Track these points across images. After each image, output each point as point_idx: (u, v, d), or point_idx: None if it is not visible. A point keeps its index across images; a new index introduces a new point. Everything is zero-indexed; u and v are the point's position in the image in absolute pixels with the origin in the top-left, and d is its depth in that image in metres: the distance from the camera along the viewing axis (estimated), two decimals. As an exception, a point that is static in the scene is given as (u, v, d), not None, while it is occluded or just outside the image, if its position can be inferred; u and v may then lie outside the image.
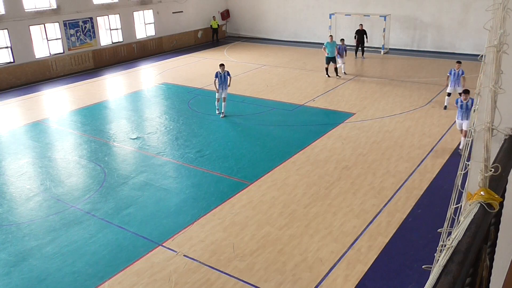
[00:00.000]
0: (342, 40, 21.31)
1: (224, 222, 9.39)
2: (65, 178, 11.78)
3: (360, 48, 24.55)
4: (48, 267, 8.18)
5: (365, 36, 24.26)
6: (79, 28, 23.48)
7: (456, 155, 12.22)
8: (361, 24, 24.40)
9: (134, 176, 11.64)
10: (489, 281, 2.23)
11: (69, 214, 9.90)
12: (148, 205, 10.23)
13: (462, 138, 12.47)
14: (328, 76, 20.83)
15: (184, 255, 8.35)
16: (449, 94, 15.96)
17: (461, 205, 2.00)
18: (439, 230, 1.90)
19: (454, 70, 15.56)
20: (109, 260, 8.31)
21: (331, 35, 21.51)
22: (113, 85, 21.74)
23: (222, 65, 15.94)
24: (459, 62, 15.74)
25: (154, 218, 9.66)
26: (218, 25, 30.88)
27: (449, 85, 15.78)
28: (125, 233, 9.14)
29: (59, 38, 22.72)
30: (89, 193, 10.87)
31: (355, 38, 24.48)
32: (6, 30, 20.48)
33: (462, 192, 2.05)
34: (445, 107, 16.03)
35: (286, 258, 8.16)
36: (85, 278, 7.83)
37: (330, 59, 20.44)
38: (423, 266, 1.81)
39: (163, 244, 8.71)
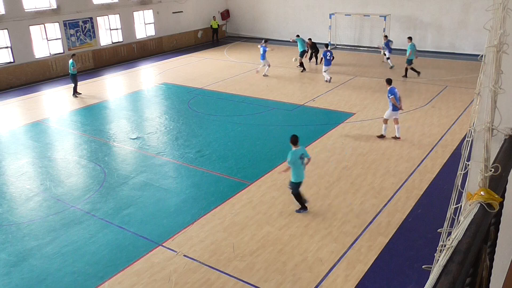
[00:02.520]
0: (327, 45, 21.39)
1: (224, 222, 9.39)
2: (65, 178, 11.78)
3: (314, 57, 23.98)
4: (48, 267, 8.17)
5: (314, 48, 23.59)
6: (79, 28, 23.48)
7: (456, 155, 12.22)
8: (309, 39, 23.54)
9: (134, 176, 11.63)
10: (489, 281, 2.23)
11: (69, 214, 9.90)
12: (148, 205, 10.23)
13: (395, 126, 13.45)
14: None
15: (184, 255, 8.35)
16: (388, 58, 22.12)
17: (461, 205, 2.00)
18: (439, 230, 1.90)
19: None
20: (109, 260, 8.31)
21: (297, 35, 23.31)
22: (113, 85, 21.74)
23: (266, 41, 21.72)
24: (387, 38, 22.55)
25: (154, 218, 9.66)
26: (218, 25, 30.87)
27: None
28: (125, 233, 9.14)
29: (59, 38, 22.73)
30: (89, 193, 10.86)
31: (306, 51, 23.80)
32: (6, 30, 20.48)
33: (462, 192, 2.04)
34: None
35: (286, 258, 8.16)
36: (85, 278, 7.83)
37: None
38: (423, 266, 1.81)
39: (163, 244, 8.71)
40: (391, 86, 13.12)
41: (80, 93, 19.22)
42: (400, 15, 26.26)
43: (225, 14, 32.58)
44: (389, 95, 12.95)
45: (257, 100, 17.84)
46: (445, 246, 1.63)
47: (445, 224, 1.90)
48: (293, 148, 9.22)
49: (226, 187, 10.92)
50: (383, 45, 22.59)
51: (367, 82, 19.96)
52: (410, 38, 20.53)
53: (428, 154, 12.45)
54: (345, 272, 7.71)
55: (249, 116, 16.11)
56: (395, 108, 12.97)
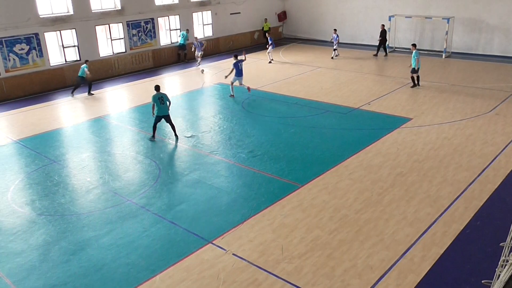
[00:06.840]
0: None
1: (274, 223, 9.40)
2: (122, 172, 12.24)
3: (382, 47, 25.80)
4: (104, 257, 8.53)
5: (385, 36, 25.13)
6: (141, 28, 24.35)
7: (521, 165, 11.53)
8: (382, 25, 25.31)
9: (187, 174, 11.90)
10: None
11: (125, 208, 10.28)
12: (199, 203, 10.42)
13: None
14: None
15: (233, 254, 8.43)
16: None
17: (526, 219, 1.89)
18: (501, 244, 1.80)
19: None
20: (160, 254, 8.55)
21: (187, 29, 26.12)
22: (170, 84, 22.33)
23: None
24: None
25: (205, 216, 9.83)
26: (269, 27, 30.71)
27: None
28: (176, 229, 9.36)
29: (122, 38, 23.68)
30: (144, 188, 11.23)
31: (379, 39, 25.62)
32: (74, 30, 21.61)
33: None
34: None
35: (335, 263, 8.04)
36: (138, 270, 8.10)
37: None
38: (482, 281, 1.73)
39: (213, 242, 8.84)
40: (236, 60, 18.44)
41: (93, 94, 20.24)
42: (464, 17, 25.17)
43: (282, 16, 32.62)
44: (232, 67, 18.39)
45: (311, 102, 17.71)
46: (507, 261, 1.54)
47: (508, 239, 1.80)
48: (155, 93, 14.14)
49: (276, 188, 10.93)
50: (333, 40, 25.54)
51: (426, 86, 19.28)
52: (414, 45, 19.19)
53: (490, 163, 11.83)
54: (396, 282, 7.48)
55: (302, 118, 16.03)
56: (237, 75, 18.38)
